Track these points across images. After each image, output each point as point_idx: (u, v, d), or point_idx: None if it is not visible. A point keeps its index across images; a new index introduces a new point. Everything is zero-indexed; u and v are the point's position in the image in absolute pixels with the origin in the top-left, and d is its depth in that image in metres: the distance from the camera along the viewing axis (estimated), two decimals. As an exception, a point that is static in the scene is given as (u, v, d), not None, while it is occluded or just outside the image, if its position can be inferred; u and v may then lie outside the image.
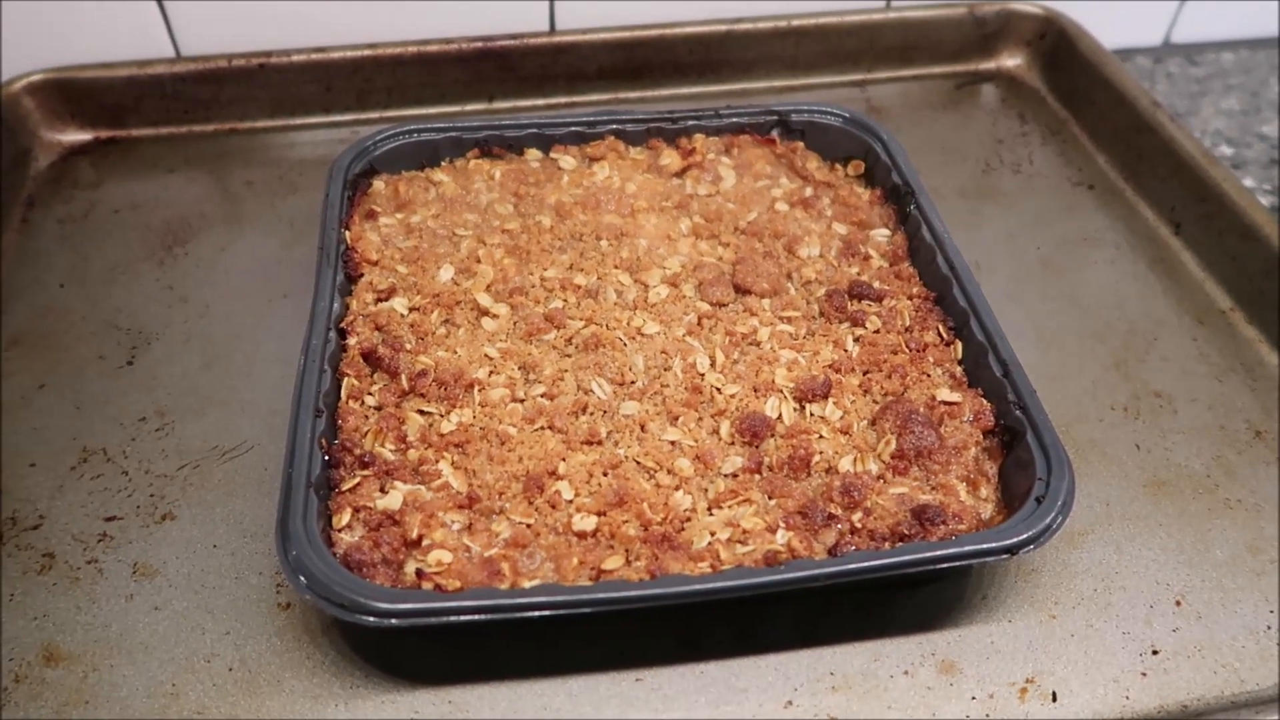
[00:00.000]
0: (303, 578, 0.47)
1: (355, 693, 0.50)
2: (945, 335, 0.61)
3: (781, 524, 0.51)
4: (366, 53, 0.86)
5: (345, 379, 0.58)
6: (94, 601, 0.53)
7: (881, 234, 0.69)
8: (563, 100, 0.90)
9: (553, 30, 0.89)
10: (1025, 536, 0.48)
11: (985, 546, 0.48)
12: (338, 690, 0.50)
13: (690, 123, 0.75)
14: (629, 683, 0.51)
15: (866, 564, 0.48)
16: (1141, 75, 0.98)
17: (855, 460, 0.55)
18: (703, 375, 0.58)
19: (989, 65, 0.95)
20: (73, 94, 0.84)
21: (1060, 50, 0.92)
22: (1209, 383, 0.66)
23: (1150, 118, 0.81)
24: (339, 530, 0.51)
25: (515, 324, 0.61)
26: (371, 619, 0.46)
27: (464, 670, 0.51)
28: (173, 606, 0.53)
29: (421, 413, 0.56)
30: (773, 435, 0.56)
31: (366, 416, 0.56)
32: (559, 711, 0.50)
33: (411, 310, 0.62)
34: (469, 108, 0.89)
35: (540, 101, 0.90)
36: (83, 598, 0.53)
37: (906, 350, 0.60)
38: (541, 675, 0.51)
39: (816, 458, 0.55)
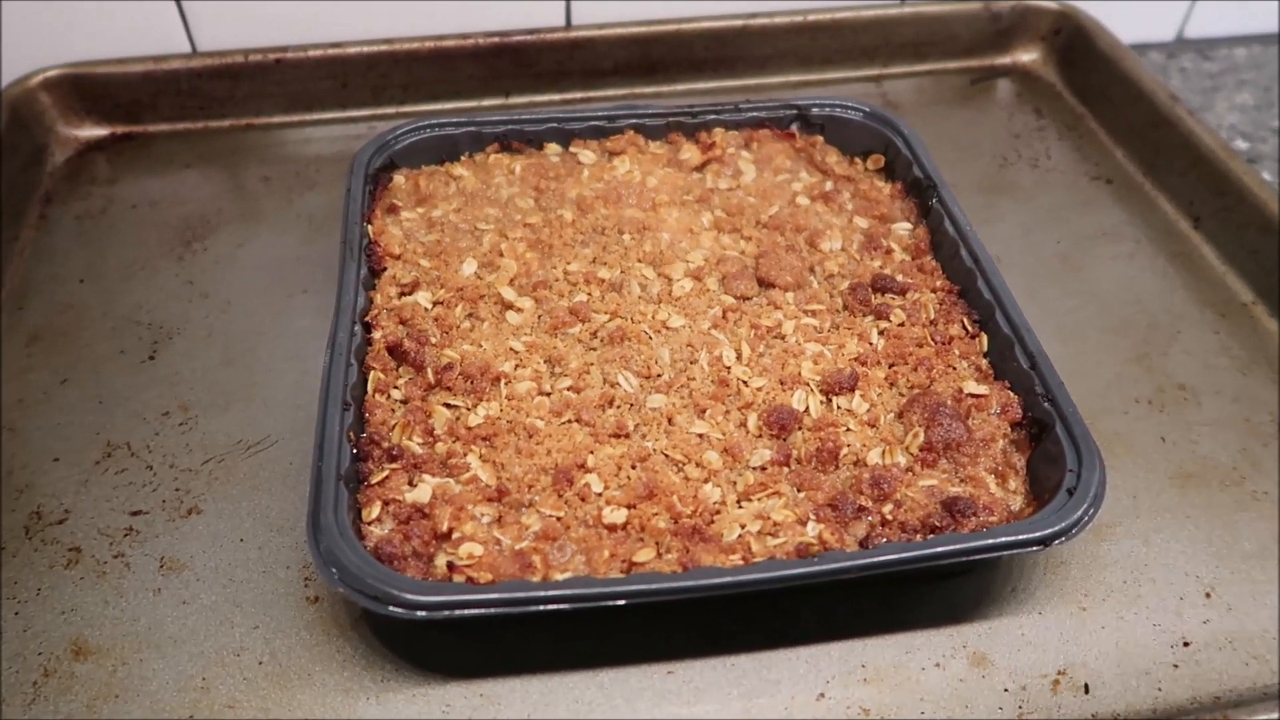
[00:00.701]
0: (335, 570, 0.47)
1: (386, 686, 0.50)
2: (970, 328, 0.61)
3: (812, 516, 0.51)
4: (382, 48, 0.86)
5: (371, 372, 0.57)
6: (121, 595, 0.53)
7: (903, 228, 0.69)
8: (578, 96, 0.90)
9: (569, 26, 0.88)
10: (1058, 528, 0.48)
11: (1019, 538, 0.48)
12: (369, 684, 0.50)
13: (709, 117, 0.75)
14: (660, 675, 0.50)
15: (900, 555, 0.47)
16: (1155, 71, 0.98)
17: (884, 453, 0.54)
18: (729, 368, 0.58)
19: (1004, 60, 0.95)
20: (89, 90, 0.83)
21: (1076, 45, 0.92)
22: (1232, 376, 0.66)
23: (1168, 112, 0.80)
24: (369, 523, 0.51)
25: (540, 318, 0.61)
26: (404, 611, 0.45)
27: (495, 663, 0.51)
28: (201, 600, 0.53)
29: (448, 406, 0.56)
30: (800, 428, 0.56)
31: (393, 410, 0.56)
32: (590, 704, 0.49)
33: (435, 304, 0.62)
34: (485, 103, 0.89)
35: (556, 97, 0.90)
36: (110, 592, 0.53)
37: (932, 343, 0.60)
38: (572, 668, 0.51)
39: (845, 450, 0.54)
